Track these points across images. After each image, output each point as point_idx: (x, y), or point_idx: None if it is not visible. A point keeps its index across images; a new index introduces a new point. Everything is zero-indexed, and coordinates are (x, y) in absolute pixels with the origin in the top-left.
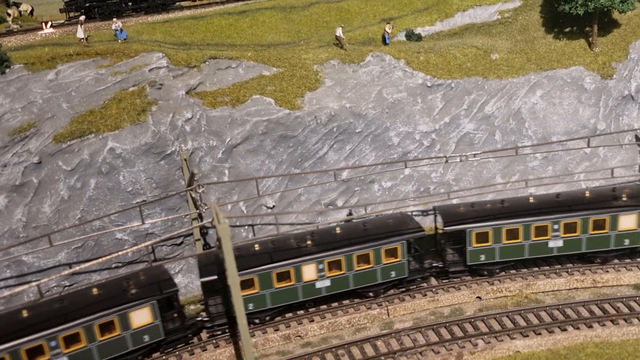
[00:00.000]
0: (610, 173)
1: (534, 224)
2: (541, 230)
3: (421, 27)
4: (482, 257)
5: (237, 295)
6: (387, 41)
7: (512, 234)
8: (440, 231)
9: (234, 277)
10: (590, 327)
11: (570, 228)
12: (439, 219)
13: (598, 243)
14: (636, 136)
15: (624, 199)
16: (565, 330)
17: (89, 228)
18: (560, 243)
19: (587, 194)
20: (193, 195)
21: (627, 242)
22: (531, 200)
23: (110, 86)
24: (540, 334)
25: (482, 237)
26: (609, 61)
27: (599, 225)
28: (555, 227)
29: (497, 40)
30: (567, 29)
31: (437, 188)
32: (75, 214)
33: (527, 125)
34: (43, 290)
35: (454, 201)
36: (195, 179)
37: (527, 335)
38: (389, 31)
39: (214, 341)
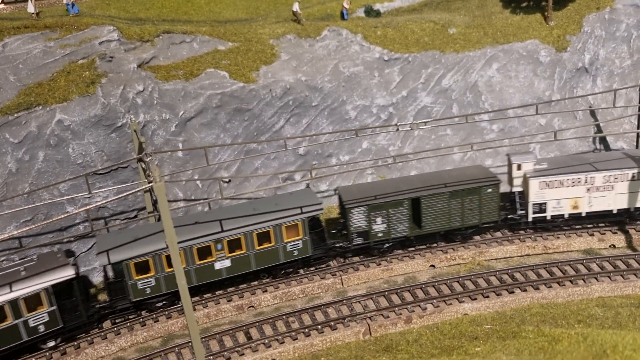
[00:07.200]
0: (554, 136)
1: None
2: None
3: (380, 3)
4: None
5: (177, 261)
6: (346, 17)
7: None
8: None
9: (172, 240)
10: (537, 289)
11: None
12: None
13: None
14: (590, 106)
15: None
16: (512, 292)
17: (38, 200)
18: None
19: None
20: (143, 165)
21: None
22: None
23: (59, 59)
24: (488, 297)
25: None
26: (564, 34)
27: None
28: None
29: (455, 16)
30: (524, 4)
31: (395, 161)
32: (24, 187)
33: (484, 98)
34: None
35: (412, 172)
36: (144, 147)
37: (476, 299)
38: (347, 7)
39: (166, 312)
